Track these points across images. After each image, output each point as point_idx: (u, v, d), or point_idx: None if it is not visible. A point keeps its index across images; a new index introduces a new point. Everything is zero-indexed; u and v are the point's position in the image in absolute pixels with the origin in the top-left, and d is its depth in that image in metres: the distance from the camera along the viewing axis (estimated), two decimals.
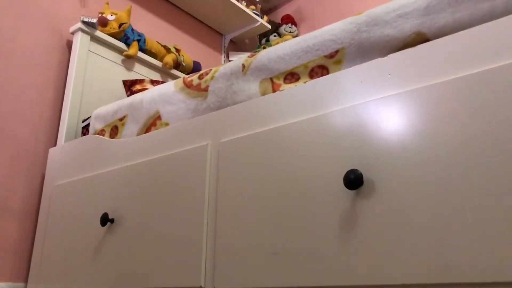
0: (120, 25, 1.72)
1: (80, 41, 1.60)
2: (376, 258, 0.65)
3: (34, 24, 1.59)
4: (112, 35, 1.71)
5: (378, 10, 0.84)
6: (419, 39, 0.77)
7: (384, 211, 0.66)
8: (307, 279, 0.71)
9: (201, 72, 1.11)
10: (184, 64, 1.99)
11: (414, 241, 0.62)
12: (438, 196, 0.62)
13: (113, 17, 1.72)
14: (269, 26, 2.59)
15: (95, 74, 1.62)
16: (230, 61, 1.75)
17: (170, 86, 1.16)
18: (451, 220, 0.60)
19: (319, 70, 0.90)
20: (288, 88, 0.88)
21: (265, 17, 2.62)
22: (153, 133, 1.09)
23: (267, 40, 2.67)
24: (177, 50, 1.99)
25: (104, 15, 1.71)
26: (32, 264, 1.27)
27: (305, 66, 0.91)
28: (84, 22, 1.61)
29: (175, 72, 1.95)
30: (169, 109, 1.13)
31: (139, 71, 1.81)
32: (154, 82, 1.58)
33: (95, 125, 1.33)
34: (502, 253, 0.55)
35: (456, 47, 0.68)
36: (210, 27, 2.51)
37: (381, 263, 0.64)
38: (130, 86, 1.56)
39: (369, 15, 0.84)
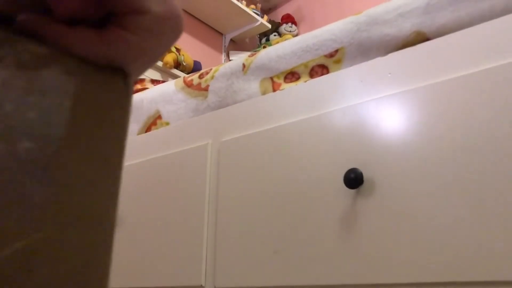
0: None
1: None
2: (377, 256, 0.65)
3: None
4: None
5: (378, 9, 0.84)
6: (419, 38, 0.77)
7: (384, 210, 0.66)
8: (308, 277, 0.71)
9: (201, 71, 1.12)
10: (184, 64, 1.99)
11: (414, 239, 0.62)
12: (438, 195, 0.62)
13: None
14: (269, 26, 2.59)
15: None
16: (230, 60, 1.75)
17: (170, 86, 1.16)
18: (451, 218, 0.60)
19: (319, 70, 0.90)
20: (288, 88, 0.88)
21: (265, 17, 2.62)
22: (153, 132, 1.10)
23: (267, 40, 2.67)
24: (178, 50, 2.00)
25: None
26: None
27: (305, 65, 0.91)
28: None
29: (175, 71, 1.95)
30: (169, 109, 1.13)
31: None
32: (154, 82, 1.58)
33: None
34: (504, 251, 0.55)
35: (456, 46, 0.68)
36: (210, 27, 2.51)
37: (382, 262, 0.64)
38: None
39: (369, 14, 0.84)
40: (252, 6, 2.59)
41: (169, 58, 1.89)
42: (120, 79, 0.26)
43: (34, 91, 0.21)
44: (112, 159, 0.24)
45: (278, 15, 2.85)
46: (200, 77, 1.10)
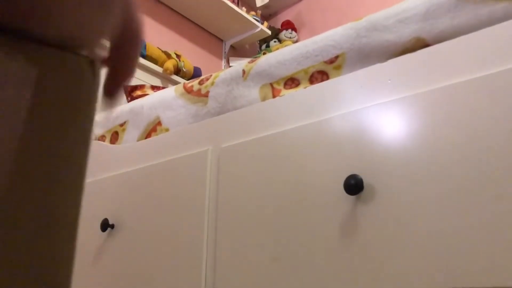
0: None
1: None
2: (377, 263, 0.65)
3: None
4: None
5: (377, 15, 0.84)
6: (418, 44, 0.77)
7: (384, 216, 0.66)
8: (307, 285, 0.71)
9: (201, 77, 1.12)
10: (184, 70, 1.99)
11: (415, 246, 0.62)
12: (439, 201, 0.62)
13: None
14: (269, 32, 2.60)
15: None
16: (230, 66, 1.76)
17: (170, 92, 1.16)
18: (453, 225, 0.60)
19: (319, 76, 0.90)
20: (288, 94, 0.88)
21: (265, 23, 2.63)
22: (153, 138, 1.09)
23: (267, 46, 2.68)
24: (178, 56, 2.00)
25: None
26: None
27: (305, 71, 0.91)
28: None
29: (175, 77, 1.95)
30: (169, 115, 1.13)
31: (140, 77, 1.82)
32: (154, 88, 1.59)
33: (95, 131, 1.33)
34: (506, 257, 0.55)
35: (455, 52, 0.68)
36: (210, 33, 2.52)
37: (382, 269, 0.64)
38: (130, 92, 1.56)
39: (368, 20, 0.85)
40: (252, 12, 2.60)
41: (169, 64, 1.90)
42: (87, 68, 0.24)
43: None
44: (75, 151, 0.24)
45: (278, 22, 2.86)
46: (200, 83, 1.10)
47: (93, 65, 0.25)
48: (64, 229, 0.22)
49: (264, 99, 0.96)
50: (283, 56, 0.96)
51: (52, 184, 0.22)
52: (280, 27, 2.71)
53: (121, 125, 1.25)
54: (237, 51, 2.71)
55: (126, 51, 0.28)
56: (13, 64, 0.22)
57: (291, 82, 0.93)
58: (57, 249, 0.22)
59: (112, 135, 1.27)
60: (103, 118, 1.33)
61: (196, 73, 2.08)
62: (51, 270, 0.21)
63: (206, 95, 1.07)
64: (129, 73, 0.30)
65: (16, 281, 0.20)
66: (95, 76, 0.25)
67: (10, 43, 0.22)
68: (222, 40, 2.59)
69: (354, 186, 0.68)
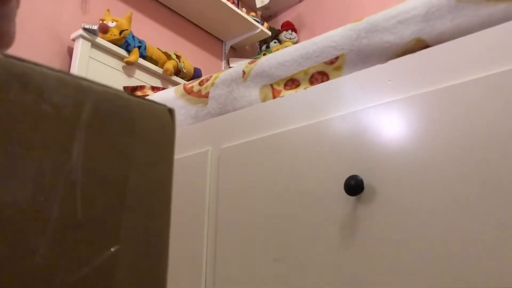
0: (121, 32, 1.73)
1: (81, 48, 1.60)
2: (378, 265, 0.65)
3: (35, 31, 1.60)
4: (113, 41, 1.72)
5: (377, 16, 0.84)
6: (419, 45, 0.77)
7: (385, 217, 0.66)
8: (307, 285, 0.71)
9: (201, 78, 1.12)
10: (184, 71, 1.99)
11: (415, 247, 0.62)
12: (440, 202, 0.62)
13: (114, 23, 1.73)
14: (269, 33, 2.60)
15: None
16: (230, 67, 1.76)
17: (170, 93, 1.16)
18: (453, 226, 0.60)
19: (319, 76, 0.90)
20: (288, 94, 0.88)
21: (265, 24, 2.63)
22: None
23: (268, 47, 2.68)
24: (178, 57, 2.00)
25: (105, 21, 1.72)
26: None
27: (305, 72, 0.92)
28: (85, 29, 1.62)
29: (175, 78, 1.95)
30: None
31: (140, 78, 1.82)
32: (154, 89, 1.59)
33: None
34: (505, 259, 0.55)
35: (456, 53, 0.68)
36: (210, 34, 2.52)
37: (383, 270, 0.64)
38: (131, 93, 1.56)
39: (369, 21, 0.85)
40: (252, 13, 2.60)
41: (169, 65, 1.90)
42: (169, 116, 0.31)
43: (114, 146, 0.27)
44: (165, 184, 0.30)
45: (278, 22, 2.86)
46: (200, 84, 1.10)
47: (171, 112, 0.31)
48: (160, 242, 0.29)
49: (264, 100, 0.96)
50: (283, 57, 0.96)
51: (151, 210, 0.28)
52: (280, 28, 2.71)
53: None
54: (237, 52, 2.71)
55: None
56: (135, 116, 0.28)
57: (291, 83, 0.94)
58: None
59: None
60: None
61: (196, 74, 2.08)
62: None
63: (206, 96, 1.07)
64: None
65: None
66: (174, 122, 0.31)
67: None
68: (222, 41, 2.59)
69: (354, 186, 0.68)
